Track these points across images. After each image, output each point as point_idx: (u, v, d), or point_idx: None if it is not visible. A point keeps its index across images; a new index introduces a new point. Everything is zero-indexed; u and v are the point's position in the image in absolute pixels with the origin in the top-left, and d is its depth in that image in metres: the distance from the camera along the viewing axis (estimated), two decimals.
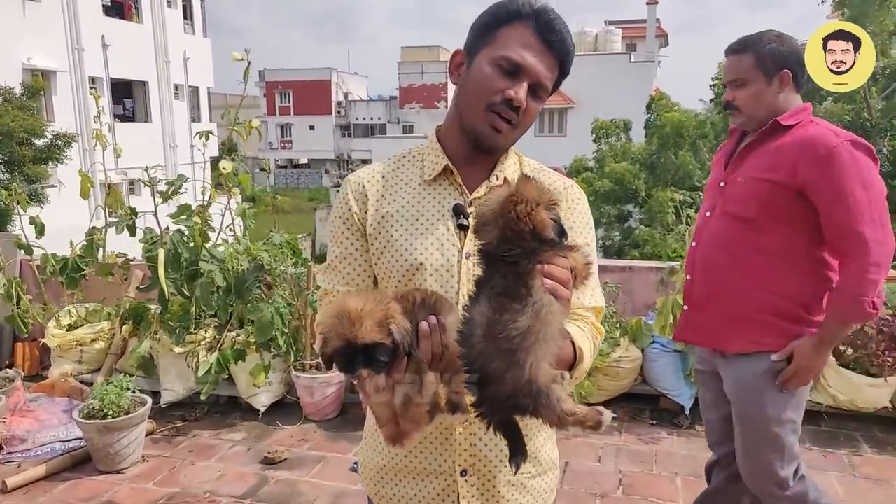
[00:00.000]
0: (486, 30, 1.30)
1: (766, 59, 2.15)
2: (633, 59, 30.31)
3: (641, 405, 4.11)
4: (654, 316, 4.01)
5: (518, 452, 1.14)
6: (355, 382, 1.10)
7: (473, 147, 1.34)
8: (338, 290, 1.36)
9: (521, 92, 1.26)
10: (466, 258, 1.29)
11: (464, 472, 1.33)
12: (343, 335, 1.03)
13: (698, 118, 15.55)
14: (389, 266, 1.31)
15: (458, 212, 1.32)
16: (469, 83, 1.31)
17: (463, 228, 1.31)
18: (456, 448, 1.32)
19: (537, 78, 1.27)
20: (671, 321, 3.82)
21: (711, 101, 16.36)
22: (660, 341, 4.08)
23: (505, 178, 1.31)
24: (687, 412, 3.92)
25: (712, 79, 15.64)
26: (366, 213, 1.35)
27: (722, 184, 2.27)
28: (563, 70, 1.32)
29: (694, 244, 2.33)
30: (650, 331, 4.10)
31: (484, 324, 1.04)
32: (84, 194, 4.39)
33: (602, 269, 3.94)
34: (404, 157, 1.42)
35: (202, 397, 3.93)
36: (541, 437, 1.41)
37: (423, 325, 1.08)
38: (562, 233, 1.09)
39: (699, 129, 15.04)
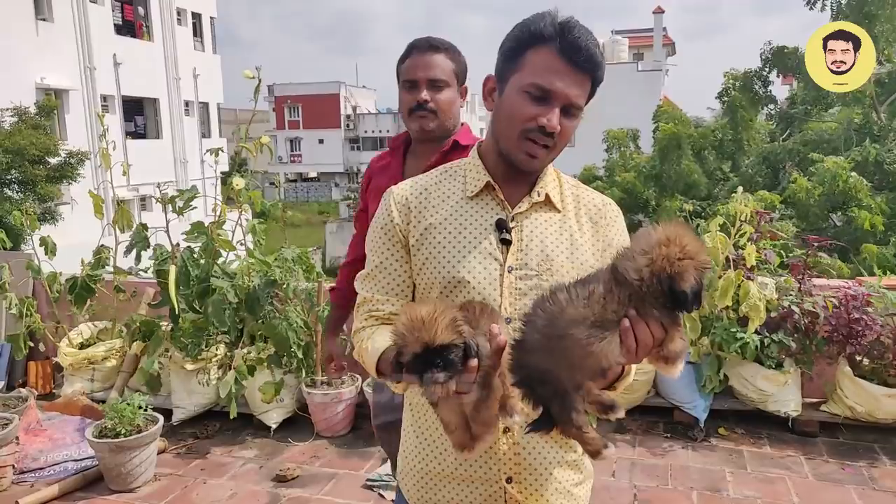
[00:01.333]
0: (512, 54, 1.31)
1: (461, 67, 2.11)
2: (640, 69, 30.33)
3: (655, 418, 4.06)
4: None
5: (542, 421, 1.16)
6: (424, 388, 1.12)
7: (511, 168, 1.36)
8: (377, 298, 1.40)
9: (553, 119, 1.27)
10: (509, 272, 1.31)
11: (509, 480, 1.35)
12: (421, 339, 1.07)
13: (699, 129, 15.48)
14: (431, 278, 1.33)
15: (501, 226, 1.34)
16: (502, 112, 1.33)
17: (505, 243, 1.33)
18: (500, 457, 1.34)
19: (568, 100, 1.28)
20: None
21: (721, 105, 16.28)
22: None
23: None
24: (701, 425, 3.86)
25: (719, 90, 15.55)
26: (408, 224, 1.37)
27: None
28: (595, 81, 1.32)
29: None
30: None
31: (559, 305, 1.10)
32: (98, 212, 4.44)
33: None
34: (447, 171, 1.44)
35: (232, 416, 3.84)
36: None
37: (503, 338, 1.10)
38: (696, 300, 1.05)
39: (705, 139, 14.99)
